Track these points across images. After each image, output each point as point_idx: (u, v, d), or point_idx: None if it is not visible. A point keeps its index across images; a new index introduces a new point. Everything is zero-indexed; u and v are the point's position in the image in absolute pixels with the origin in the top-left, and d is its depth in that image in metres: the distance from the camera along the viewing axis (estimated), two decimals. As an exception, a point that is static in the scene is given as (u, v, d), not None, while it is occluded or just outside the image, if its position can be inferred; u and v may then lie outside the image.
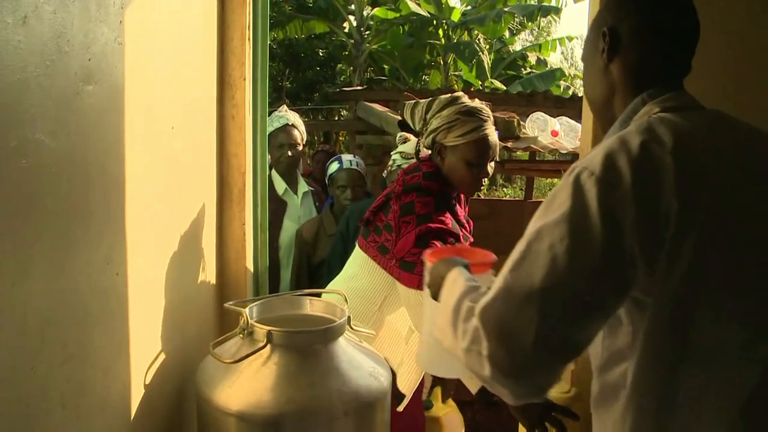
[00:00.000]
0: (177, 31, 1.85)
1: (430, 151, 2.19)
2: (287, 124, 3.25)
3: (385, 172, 2.97)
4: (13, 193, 1.10)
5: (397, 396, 2.15)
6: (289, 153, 3.26)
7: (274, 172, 3.28)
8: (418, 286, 1.98)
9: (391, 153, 2.95)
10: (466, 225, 2.20)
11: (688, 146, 1.10)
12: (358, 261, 2.24)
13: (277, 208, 3.21)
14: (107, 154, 1.46)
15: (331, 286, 2.31)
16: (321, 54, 17.18)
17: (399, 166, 2.83)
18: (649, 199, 1.03)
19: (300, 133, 3.32)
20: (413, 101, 2.22)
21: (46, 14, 1.16)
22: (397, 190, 2.10)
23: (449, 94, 2.14)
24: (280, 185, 3.28)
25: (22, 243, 1.13)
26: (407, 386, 2.22)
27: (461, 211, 2.22)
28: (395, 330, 2.22)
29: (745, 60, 2.18)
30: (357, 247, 2.27)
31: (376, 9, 15.49)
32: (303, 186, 3.40)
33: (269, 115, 3.16)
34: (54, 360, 1.24)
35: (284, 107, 3.44)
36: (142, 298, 1.63)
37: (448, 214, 2.08)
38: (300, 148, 3.35)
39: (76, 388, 1.32)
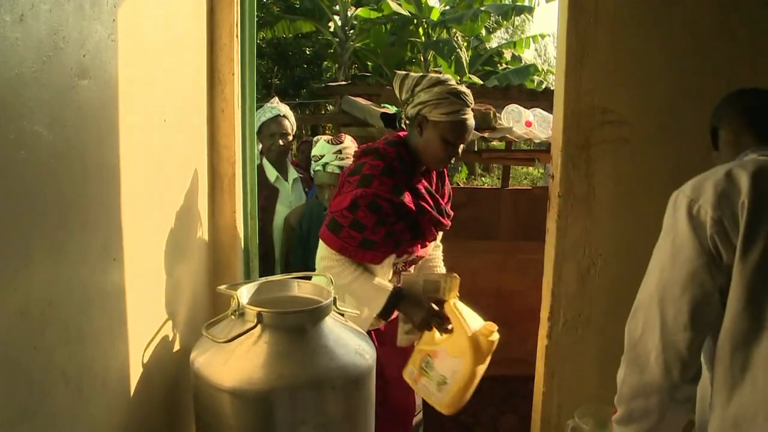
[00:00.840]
0: (168, 28, 1.84)
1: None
2: (278, 115, 3.26)
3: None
4: (14, 184, 1.10)
5: None
6: (280, 142, 3.27)
7: (265, 160, 3.29)
8: (339, 251, 2.06)
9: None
10: (428, 198, 2.21)
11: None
12: None
13: (269, 194, 3.23)
14: (102, 146, 1.45)
15: None
16: (308, 52, 17.09)
17: (314, 169, 2.89)
18: (724, 202, 1.24)
19: (290, 123, 3.33)
20: (404, 72, 2.25)
21: (42, 12, 1.15)
22: (358, 152, 2.18)
23: (439, 74, 2.18)
24: (272, 173, 3.29)
25: (23, 231, 1.13)
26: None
27: (424, 183, 2.24)
28: None
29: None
30: None
31: (359, 9, 15.45)
32: (293, 173, 3.42)
33: (261, 108, 3.17)
34: (56, 340, 1.24)
35: (275, 99, 3.44)
36: (138, 283, 1.63)
37: (394, 180, 2.09)
38: (290, 138, 3.36)
39: (77, 366, 1.33)
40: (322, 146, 2.85)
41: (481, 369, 2.12)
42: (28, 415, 1.13)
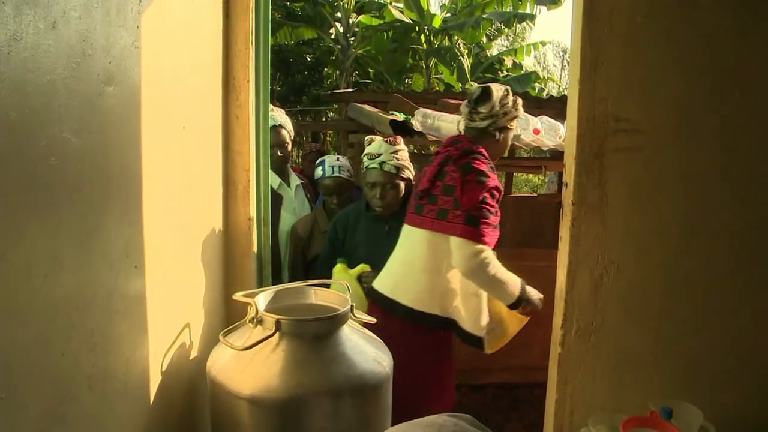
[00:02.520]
0: (187, 35, 1.85)
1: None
2: (275, 126, 3.24)
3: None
4: (44, 191, 1.10)
5: (470, 339, 2.45)
6: (279, 153, 3.26)
7: None
8: (481, 240, 2.28)
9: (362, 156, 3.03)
10: None
11: None
12: (413, 242, 2.47)
13: (273, 201, 3.22)
14: (125, 152, 1.46)
15: (379, 281, 2.55)
16: (309, 59, 17.10)
17: (368, 167, 2.88)
18: None
19: (288, 132, 3.31)
20: (503, 87, 2.58)
21: (73, 19, 1.16)
22: (454, 154, 2.41)
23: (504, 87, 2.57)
24: (275, 179, 3.28)
25: (52, 237, 1.13)
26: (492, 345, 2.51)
27: None
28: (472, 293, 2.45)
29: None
30: (405, 231, 2.51)
31: (361, 16, 15.46)
32: (295, 179, 3.42)
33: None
34: (81, 346, 1.24)
35: (270, 106, 3.43)
36: (158, 290, 1.63)
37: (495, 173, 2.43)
38: (289, 147, 3.35)
39: (101, 373, 1.33)
40: (379, 145, 2.86)
41: (514, 331, 2.55)
42: (57, 420, 1.13)
